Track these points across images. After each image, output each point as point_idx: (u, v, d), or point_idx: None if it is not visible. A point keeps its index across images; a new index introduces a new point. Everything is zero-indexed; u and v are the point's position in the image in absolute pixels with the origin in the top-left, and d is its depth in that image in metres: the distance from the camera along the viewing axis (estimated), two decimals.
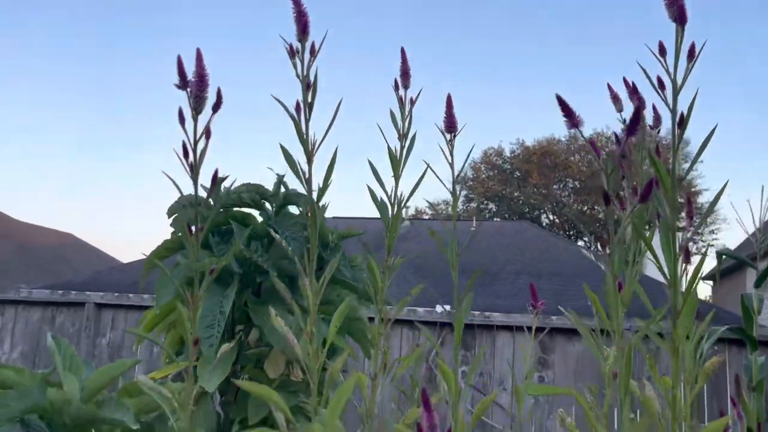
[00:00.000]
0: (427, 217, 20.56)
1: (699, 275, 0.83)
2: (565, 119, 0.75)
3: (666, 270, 0.84)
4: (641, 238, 0.76)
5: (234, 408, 2.01)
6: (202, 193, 0.97)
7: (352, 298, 1.07)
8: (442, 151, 1.01)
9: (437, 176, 1.00)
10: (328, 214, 1.95)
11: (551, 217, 25.55)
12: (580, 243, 23.28)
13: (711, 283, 16.75)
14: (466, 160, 1.00)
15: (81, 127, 33.17)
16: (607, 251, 0.81)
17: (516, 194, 25.45)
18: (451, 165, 1.01)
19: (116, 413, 1.17)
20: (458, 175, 1.01)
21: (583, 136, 0.77)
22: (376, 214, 1.29)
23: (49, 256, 18.63)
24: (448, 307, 5.39)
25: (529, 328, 1.32)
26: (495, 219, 23.16)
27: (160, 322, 2.05)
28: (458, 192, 1.02)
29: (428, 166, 1.01)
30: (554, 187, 25.13)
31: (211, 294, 1.80)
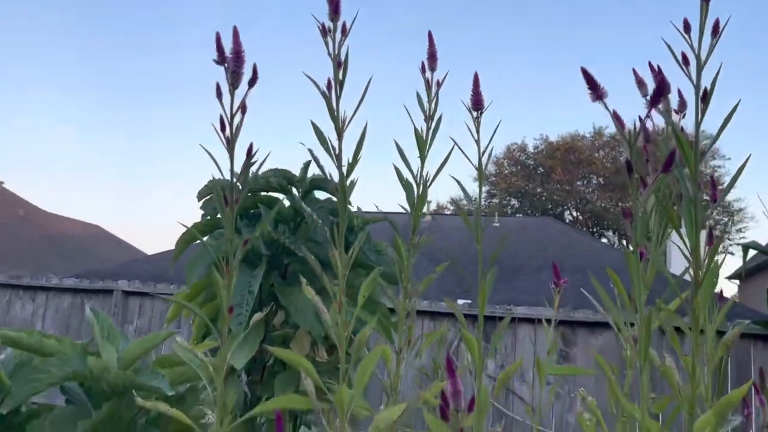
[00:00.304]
0: (448, 213, 20.54)
1: (719, 247, 0.84)
2: (589, 91, 0.78)
3: (688, 242, 0.86)
4: (663, 209, 0.78)
5: (260, 387, 2.06)
6: (236, 167, 1.01)
7: (377, 271, 1.10)
8: (468, 128, 1.04)
9: (463, 152, 1.03)
10: (351, 208, 2.00)
11: (574, 213, 25.33)
12: (604, 240, 23.05)
13: (737, 282, 16.49)
14: (492, 136, 1.02)
15: (107, 120, 33.65)
16: (630, 224, 0.83)
17: (539, 190, 25.27)
18: (477, 142, 1.04)
19: (152, 380, 1.22)
20: (484, 152, 1.04)
21: (606, 108, 0.79)
22: (400, 209, 1.33)
23: (77, 246, 19.00)
24: (469, 301, 5.41)
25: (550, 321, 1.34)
26: (517, 215, 23.04)
27: (190, 302, 2.11)
28: (484, 168, 1.04)
29: (455, 143, 1.04)
30: (578, 183, 24.90)
31: (240, 274, 1.85)
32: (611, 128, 24.08)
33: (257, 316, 1.07)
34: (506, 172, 25.62)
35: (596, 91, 0.78)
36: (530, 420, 4.43)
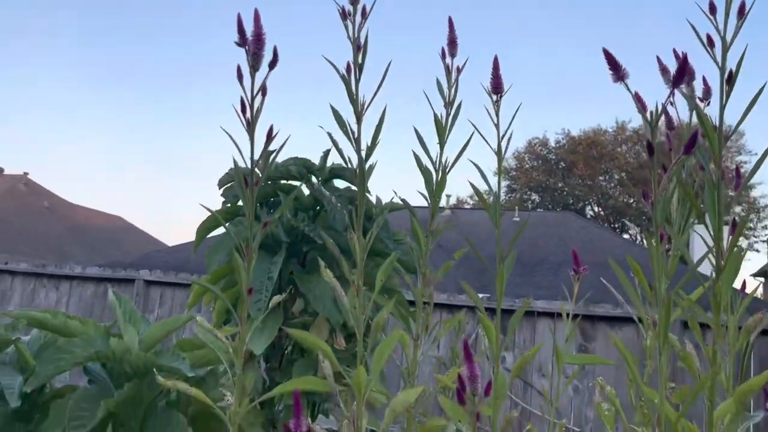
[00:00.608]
0: (468, 207, 20.45)
1: (742, 231, 0.83)
2: (611, 72, 0.77)
3: (710, 226, 0.84)
4: (685, 192, 0.77)
5: (278, 374, 2.08)
6: (257, 150, 1.02)
7: (395, 255, 1.10)
8: (488, 111, 1.04)
9: (482, 136, 1.02)
10: (370, 196, 2.00)
11: (596, 208, 25.08)
12: (626, 236, 22.81)
13: (762, 279, 16.22)
14: (512, 120, 1.02)
15: (130, 112, 34.02)
16: (651, 207, 0.82)
17: (560, 185, 25.05)
18: (497, 126, 1.03)
19: (173, 362, 1.24)
20: (503, 136, 1.03)
21: (628, 89, 0.78)
22: (419, 201, 1.32)
23: (100, 237, 19.28)
24: (488, 295, 5.39)
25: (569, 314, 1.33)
26: (538, 210, 22.86)
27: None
28: (503, 153, 1.04)
29: (475, 128, 1.04)
30: (600, 178, 24.64)
31: (260, 260, 1.87)
32: (634, 122, 23.75)
33: (276, 298, 1.08)
34: (527, 166, 25.42)
35: (618, 72, 0.77)
36: (548, 413, 4.41)
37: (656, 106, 0.80)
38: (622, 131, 24.53)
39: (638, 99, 0.82)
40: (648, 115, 0.78)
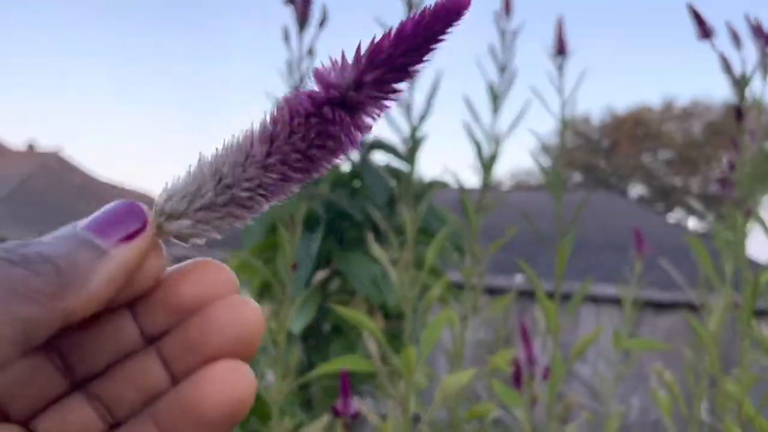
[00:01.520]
0: (506, 189, 20.16)
1: None
2: (697, 29, 0.69)
3: None
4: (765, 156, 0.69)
5: (316, 354, 2.05)
6: None
7: (446, 231, 1.05)
8: (549, 76, 0.96)
9: (544, 103, 0.95)
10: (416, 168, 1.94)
11: (640, 189, 24.46)
12: (672, 219, 22.22)
13: None
14: (577, 83, 0.94)
15: (161, 88, 34.47)
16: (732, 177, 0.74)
17: (603, 165, 24.49)
18: (560, 91, 0.96)
19: None
20: (567, 101, 0.96)
21: (713, 47, 0.70)
22: (465, 184, 1.26)
23: None
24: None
25: (616, 300, 1.25)
26: (579, 190, 22.40)
27: (246, 266, 2.11)
28: (565, 120, 0.96)
29: (534, 93, 0.97)
30: (645, 156, 23.97)
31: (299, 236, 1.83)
32: (683, 99, 23.00)
33: (320, 274, 1.04)
34: (569, 145, 24.88)
35: (704, 28, 0.69)
36: (596, 400, 4.31)
37: (743, 73, 0.72)
38: (669, 109, 23.76)
39: (723, 60, 0.73)
40: (738, 75, 0.70)
